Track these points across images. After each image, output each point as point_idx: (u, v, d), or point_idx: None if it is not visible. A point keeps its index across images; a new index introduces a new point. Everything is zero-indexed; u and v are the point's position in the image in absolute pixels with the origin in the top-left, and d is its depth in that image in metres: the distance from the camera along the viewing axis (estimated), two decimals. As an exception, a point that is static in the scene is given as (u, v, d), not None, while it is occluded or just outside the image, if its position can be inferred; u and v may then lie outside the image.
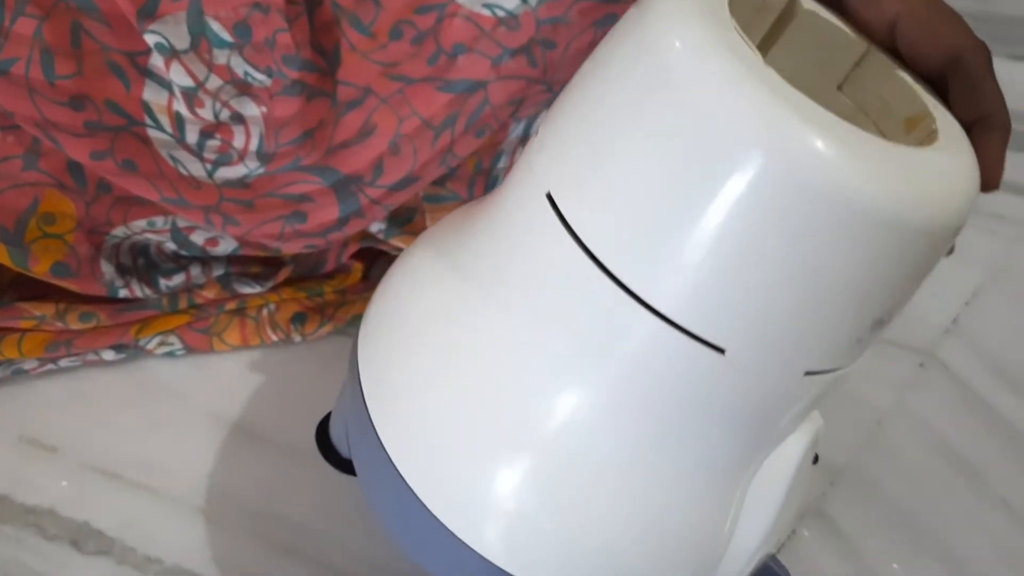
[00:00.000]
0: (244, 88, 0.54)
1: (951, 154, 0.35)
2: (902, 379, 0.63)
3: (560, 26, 0.60)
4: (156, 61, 0.53)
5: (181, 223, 0.59)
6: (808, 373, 0.36)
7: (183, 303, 0.62)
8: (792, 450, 0.40)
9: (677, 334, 0.34)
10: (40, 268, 0.56)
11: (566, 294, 0.36)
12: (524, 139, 0.69)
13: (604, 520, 0.38)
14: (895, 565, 0.53)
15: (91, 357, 0.61)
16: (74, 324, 0.59)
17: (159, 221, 0.59)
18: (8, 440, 0.59)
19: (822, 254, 0.32)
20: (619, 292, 0.34)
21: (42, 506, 0.56)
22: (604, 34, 0.65)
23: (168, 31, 0.52)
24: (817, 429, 0.41)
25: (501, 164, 0.68)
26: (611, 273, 0.34)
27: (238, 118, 0.55)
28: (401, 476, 0.40)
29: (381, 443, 0.40)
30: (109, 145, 0.54)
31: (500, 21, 0.54)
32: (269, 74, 0.53)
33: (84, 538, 0.55)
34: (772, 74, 0.32)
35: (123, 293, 0.59)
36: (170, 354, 0.63)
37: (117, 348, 0.61)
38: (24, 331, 0.59)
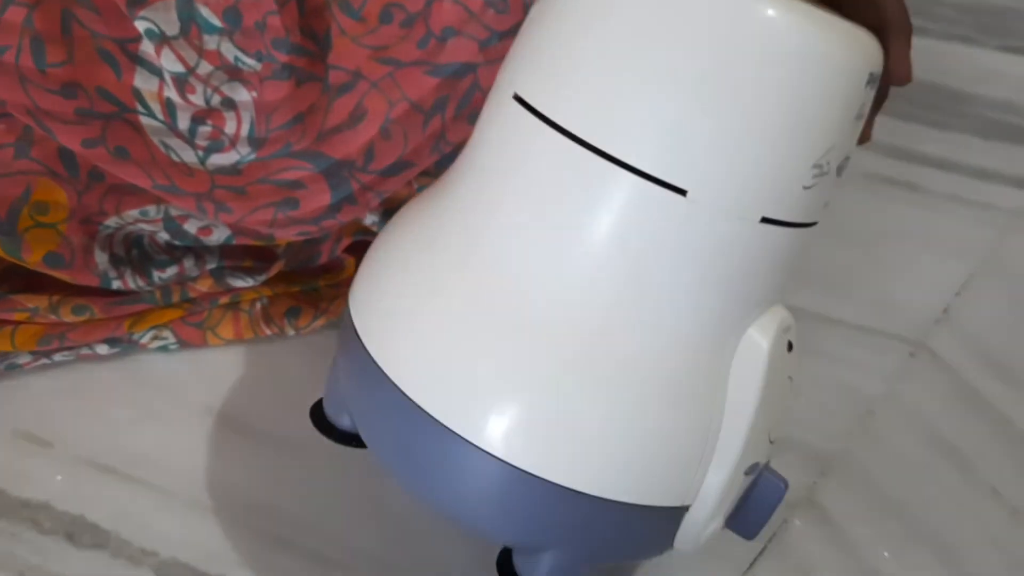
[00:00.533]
0: (234, 73, 0.54)
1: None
2: (893, 369, 0.63)
3: None
4: (146, 48, 0.53)
5: (174, 211, 0.59)
6: (764, 220, 0.40)
7: (176, 296, 0.62)
8: (762, 333, 0.43)
9: (645, 182, 0.39)
10: (33, 258, 0.56)
11: (543, 173, 0.41)
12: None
13: (598, 395, 0.40)
14: (886, 553, 0.54)
15: (85, 351, 0.61)
16: (67, 317, 0.59)
17: (152, 210, 0.59)
18: (2, 435, 0.59)
19: (766, 95, 0.38)
20: (589, 154, 0.39)
21: (37, 500, 0.56)
22: None
23: (158, 17, 0.52)
24: (784, 318, 0.44)
25: None
26: (580, 139, 0.39)
27: (229, 103, 0.55)
28: (406, 395, 0.42)
29: (383, 373, 0.43)
30: (101, 132, 0.54)
31: (488, 3, 0.54)
32: (259, 58, 0.53)
33: (79, 531, 0.55)
34: None
35: (116, 284, 0.60)
36: (164, 348, 0.63)
37: (111, 342, 0.62)
38: (17, 324, 0.60)
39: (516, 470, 0.40)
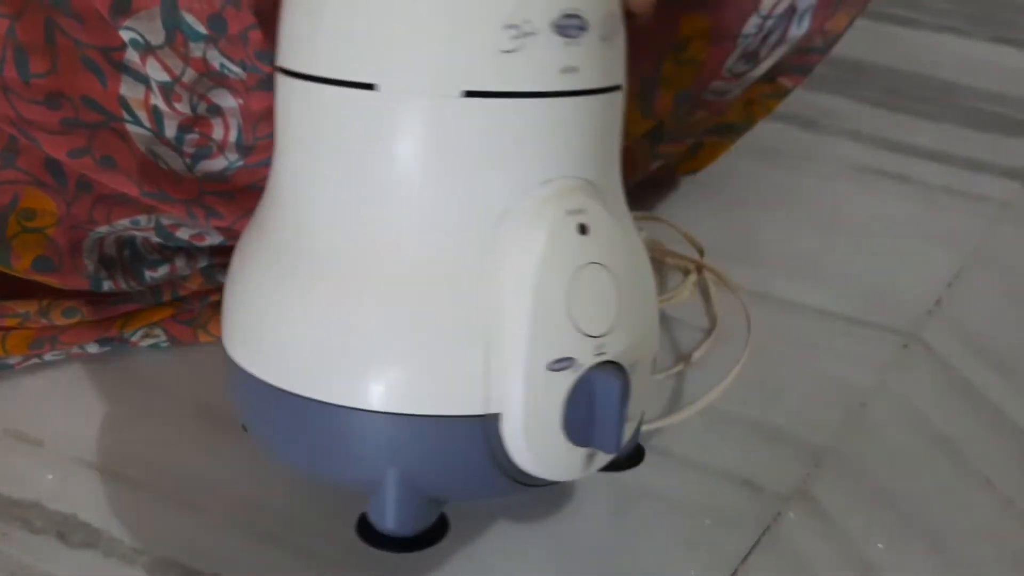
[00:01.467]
0: (220, 80, 0.54)
1: None
2: (885, 361, 0.63)
3: None
4: (131, 56, 0.53)
5: (165, 220, 0.59)
6: (468, 94, 0.38)
7: (167, 295, 0.61)
8: (533, 217, 0.40)
9: (343, 89, 0.40)
10: (21, 264, 0.56)
11: (294, 120, 0.43)
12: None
13: (367, 312, 0.41)
14: (880, 545, 0.54)
15: (76, 351, 0.61)
16: (58, 320, 0.59)
17: (143, 220, 0.59)
18: (-7, 434, 0.59)
19: None
20: (302, 83, 0.41)
21: (28, 499, 0.56)
22: None
23: (142, 27, 0.52)
24: (570, 199, 0.41)
25: None
26: (300, 73, 0.42)
27: (216, 110, 0.55)
28: (272, 386, 0.43)
29: (229, 353, 0.46)
30: (87, 142, 0.54)
31: None
32: (244, 67, 0.53)
33: (70, 531, 0.54)
34: None
35: (107, 286, 0.59)
36: (155, 346, 0.63)
37: (101, 341, 0.61)
38: (8, 329, 0.59)
39: (312, 402, 0.42)
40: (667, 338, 0.64)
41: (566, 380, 0.41)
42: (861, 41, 0.75)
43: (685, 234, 0.70)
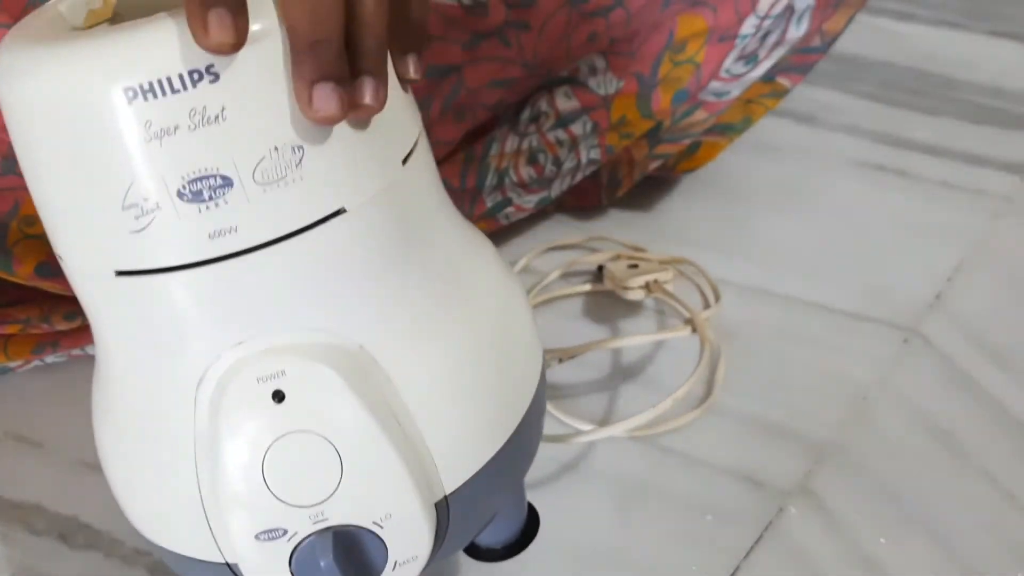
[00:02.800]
0: None
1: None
2: (886, 356, 0.63)
3: (531, 8, 0.60)
4: None
5: None
6: (119, 273, 0.36)
7: None
8: (213, 387, 0.38)
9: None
10: (24, 270, 0.56)
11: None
12: (515, 125, 0.69)
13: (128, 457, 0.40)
14: (882, 540, 0.54)
15: (76, 352, 0.61)
16: (59, 324, 0.59)
17: None
18: (-6, 436, 0.59)
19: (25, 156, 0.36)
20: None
21: (29, 501, 0.56)
22: (579, 14, 0.65)
23: None
24: (242, 369, 0.37)
25: (493, 151, 0.68)
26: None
27: None
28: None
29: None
30: None
31: (467, 10, 0.54)
32: None
33: (72, 532, 0.54)
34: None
35: None
36: (155, 347, 0.62)
37: (102, 342, 0.61)
38: (9, 336, 0.59)
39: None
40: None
41: (283, 547, 0.39)
42: (858, 36, 0.75)
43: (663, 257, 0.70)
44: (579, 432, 0.55)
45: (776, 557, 0.53)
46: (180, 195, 0.34)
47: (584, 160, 0.67)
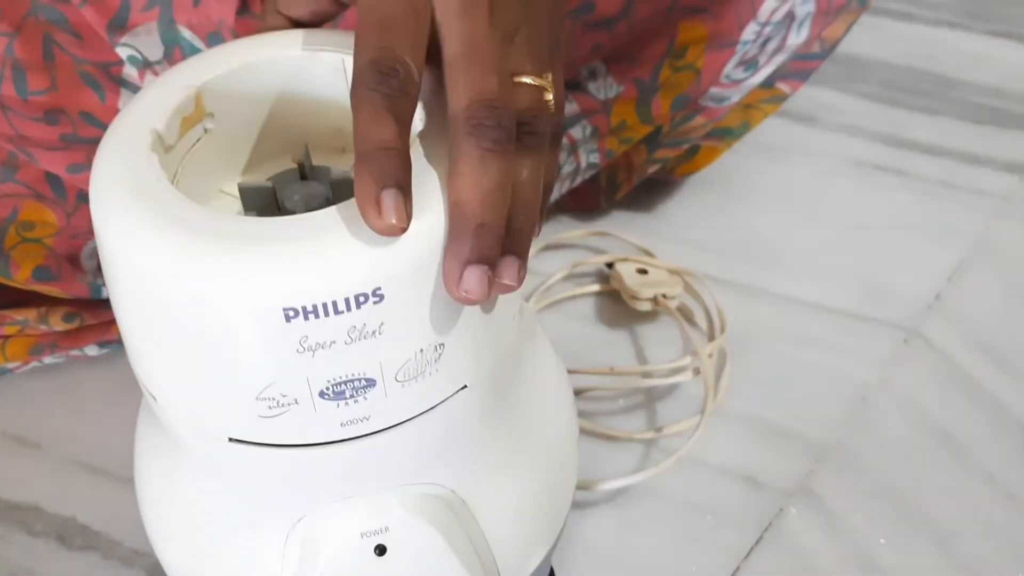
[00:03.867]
0: None
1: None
2: (886, 356, 0.63)
3: None
4: (130, 71, 0.53)
5: None
6: (232, 440, 0.36)
7: None
8: (307, 546, 0.39)
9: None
10: (22, 275, 0.56)
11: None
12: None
13: None
14: (882, 540, 0.54)
15: (75, 352, 0.61)
16: (57, 325, 0.59)
17: None
18: (-9, 437, 0.59)
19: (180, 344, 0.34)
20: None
21: (27, 503, 0.56)
22: (582, 24, 0.65)
23: (140, 43, 0.52)
24: (335, 523, 0.39)
25: None
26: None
27: None
28: None
29: None
30: (86, 158, 0.54)
31: None
32: None
33: (70, 534, 0.54)
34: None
35: (107, 292, 0.59)
36: (153, 348, 0.62)
37: (101, 344, 0.61)
38: (7, 337, 0.59)
39: None
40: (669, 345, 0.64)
41: None
42: (858, 36, 0.75)
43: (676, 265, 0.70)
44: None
45: (777, 558, 0.53)
46: (322, 395, 0.34)
47: (583, 164, 0.67)
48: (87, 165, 0.54)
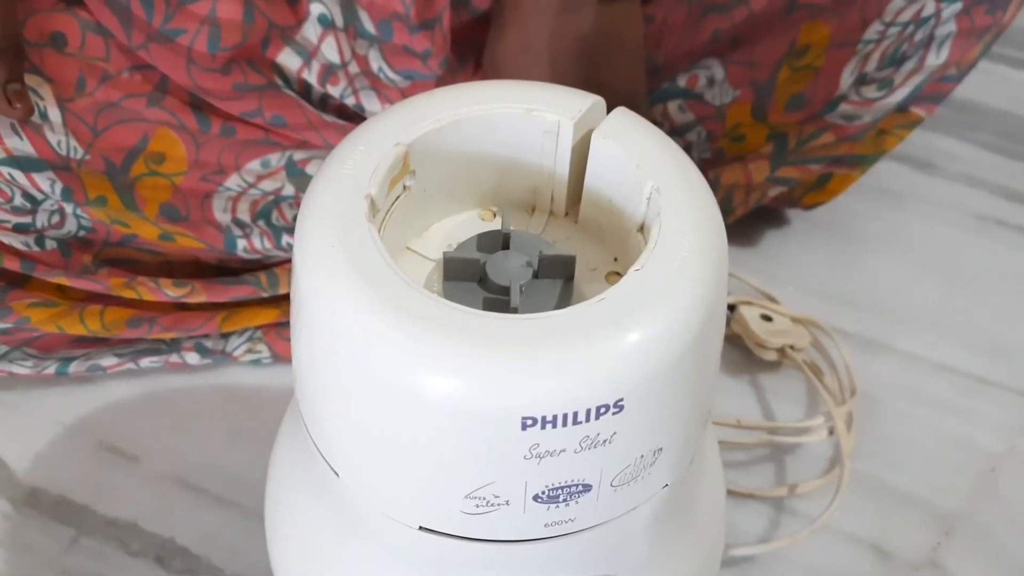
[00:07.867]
0: (376, 82, 0.58)
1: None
2: (1015, 424, 0.60)
3: (653, 2, 0.63)
4: (306, 33, 0.57)
5: (298, 156, 0.60)
6: (422, 528, 0.36)
7: (283, 286, 0.59)
8: None
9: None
10: (150, 210, 0.57)
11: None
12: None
13: None
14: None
15: (174, 359, 0.59)
16: (167, 288, 0.57)
17: (274, 159, 0.60)
18: (87, 446, 0.57)
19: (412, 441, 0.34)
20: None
21: (124, 519, 0.54)
22: (699, 8, 0.67)
23: (330, 3, 0.56)
24: None
25: None
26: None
27: (359, 112, 0.58)
28: None
29: None
30: (257, 104, 0.57)
31: None
32: (402, 77, 0.53)
33: (169, 555, 0.52)
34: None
35: (242, 245, 0.59)
36: (256, 362, 0.60)
37: (201, 350, 0.59)
38: (107, 301, 0.57)
39: None
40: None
41: None
42: (974, 81, 0.72)
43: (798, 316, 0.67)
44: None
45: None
46: (536, 498, 0.34)
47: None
48: (259, 111, 0.57)
